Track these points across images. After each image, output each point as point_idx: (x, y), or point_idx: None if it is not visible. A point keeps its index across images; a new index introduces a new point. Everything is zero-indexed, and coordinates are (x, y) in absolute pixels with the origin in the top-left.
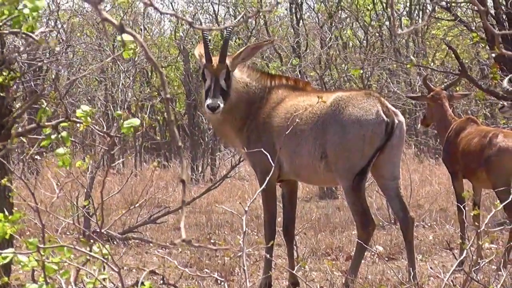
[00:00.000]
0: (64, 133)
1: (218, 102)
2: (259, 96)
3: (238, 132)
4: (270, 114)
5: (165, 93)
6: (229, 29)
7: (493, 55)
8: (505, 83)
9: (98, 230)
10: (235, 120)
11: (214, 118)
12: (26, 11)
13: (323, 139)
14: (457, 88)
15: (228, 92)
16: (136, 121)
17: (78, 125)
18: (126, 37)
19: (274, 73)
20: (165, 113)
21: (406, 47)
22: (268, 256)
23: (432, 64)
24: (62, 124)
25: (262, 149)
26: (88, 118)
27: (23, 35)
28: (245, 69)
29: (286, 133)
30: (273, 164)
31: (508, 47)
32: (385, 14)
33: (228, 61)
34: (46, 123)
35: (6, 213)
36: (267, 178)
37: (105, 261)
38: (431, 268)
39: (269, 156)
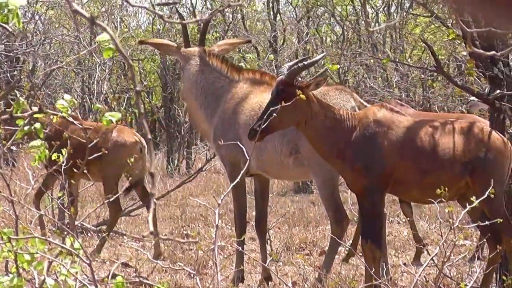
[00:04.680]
0: (37, 125)
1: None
2: (226, 90)
3: (207, 124)
4: (235, 110)
5: (135, 85)
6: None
7: (464, 53)
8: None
9: (72, 222)
10: (201, 111)
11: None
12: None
13: (293, 135)
14: (434, 85)
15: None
16: (117, 115)
17: (52, 116)
18: (102, 37)
19: (241, 66)
20: (136, 106)
21: (383, 42)
22: (240, 249)
23: (409, 60)
24: (36, 116)
25: (237, 143)
26: (69, 109)
27: None
28: (215, 61)
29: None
30: (248, 157)
31: (484, 44)
32: (362, 10)
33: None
34: (20, 114)
35: None
36: (242, 172)
37: (77, 253)
38: (404, 263)
39: (244, 150)
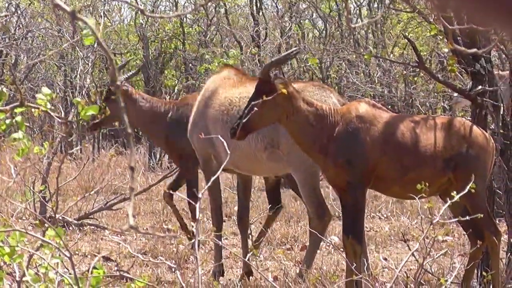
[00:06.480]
0: (18, 118)
1: None
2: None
3: None
4: (206, 103)
5: (115, 80)
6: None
7: (446, 49)
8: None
9: (53, 216)
10: None
11: None
12: None
13: (269, 131)
14: (416, 81)
15: None
16: (95, 109)
17: (33, 110)
18: (87, 31)
19: (226, 63)
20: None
21: (366, 38)
22: (219, 243)
23: (391, 55)
24: (17, 109)
25: (218, 136)
26: (48, 103)
27: None
28: None
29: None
30: (228, 152)
31: (466, 40)
32: (344, 5)
33: None
34: (0, 108)
35: None
36: (221, 166)
37: (57, 246)
38: (385, 259)
39: (225, 144)
